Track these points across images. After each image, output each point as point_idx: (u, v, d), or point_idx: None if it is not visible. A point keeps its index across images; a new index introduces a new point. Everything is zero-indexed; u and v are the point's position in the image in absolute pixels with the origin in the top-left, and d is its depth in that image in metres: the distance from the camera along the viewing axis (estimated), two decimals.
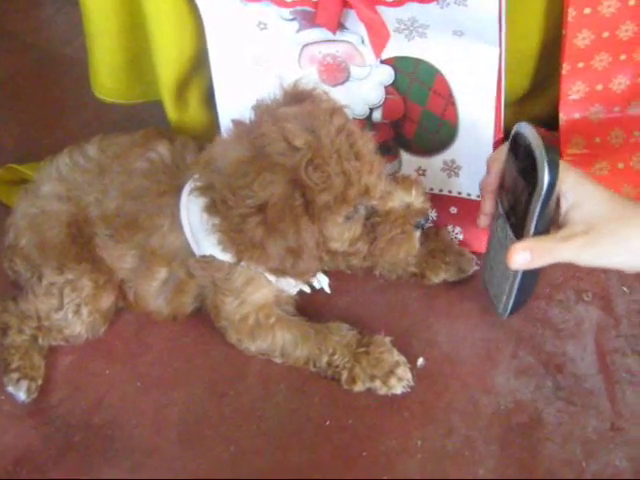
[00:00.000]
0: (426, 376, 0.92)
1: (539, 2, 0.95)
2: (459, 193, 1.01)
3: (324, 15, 0.88)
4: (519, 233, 0.77)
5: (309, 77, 0.92)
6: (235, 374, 0.95)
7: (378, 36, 0.89)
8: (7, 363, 0.95)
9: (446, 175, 1.00)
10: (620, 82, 0.99)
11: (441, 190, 1.02)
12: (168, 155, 0.96)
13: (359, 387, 0.90)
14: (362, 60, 0.95)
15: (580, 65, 0.97)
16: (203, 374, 0.96)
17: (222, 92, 1.04)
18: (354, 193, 0.78)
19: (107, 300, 0.98)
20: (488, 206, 0.85)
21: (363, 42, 0.93)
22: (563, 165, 0.73)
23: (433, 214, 1.04)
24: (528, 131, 0.74)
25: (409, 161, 1.02)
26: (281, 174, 0.75)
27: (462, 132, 0.95)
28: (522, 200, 0.75)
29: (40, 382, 0.96)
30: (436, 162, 0.99)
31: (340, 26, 0.91)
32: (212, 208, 0.81)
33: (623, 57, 0.96)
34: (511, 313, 0.89)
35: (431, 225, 1.04)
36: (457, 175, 0.99)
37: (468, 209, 1.00)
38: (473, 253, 1.01)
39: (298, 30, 0.94)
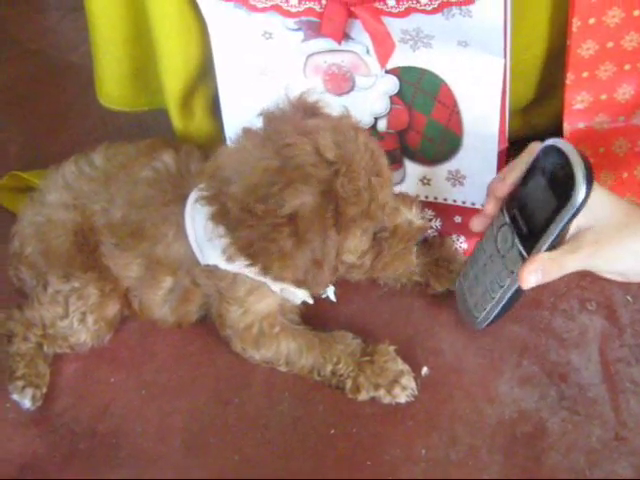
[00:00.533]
0: (430, 385, 0.92)
1: (544, 12, 0.95)
2: (463, 202, 1.01)
3: (329, 25, 0.89)
4: (530, 246, 0.76)
5: (315, 89, 0.92)
6: (240, 382, 0.95)
7: (383, 46, 0.90)
8: (12, 371, 0.95)
9: (451, 184, 1.00)
10: (624, 92, 0.99)
11: (445, 199, 1.02)
12: (173, 164, 0.96)
13: (363, 396, 0.91)
14: (367, 70, 0.95)
15: (584, 75, 0.97)
16: (208, 382, 0.96)
17: (227, 101, 1.04)
18: (376, 208, 0.80)
19: (112, 308, 0.98)
20: (492, 209, 0.84)
21: (368, 52, 0.93)
22: None
23: (437, 223, 1.04)
24: (566, 147, 0.72)
25: (414, 170, 1.02)
26: (314, 185, 0.76)
27: (467, 142, 0.95)
28: (541, 214, 0.74)
29: (45, 390, 0.96)
30: (441, 171, 1.00)
31: (345, 36, 0.91)
32: (219, 217, 0.81)
33: (627, 67, 0.97)
34: (488, 325, 0.89)
35: (436, 234, 1.04)
36: (462, 184, 0.99)
37: None
38: None
39: (303, 40, 0.94)
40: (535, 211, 0.76)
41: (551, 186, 0.74)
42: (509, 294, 0.83)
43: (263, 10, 0.91)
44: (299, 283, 0.82)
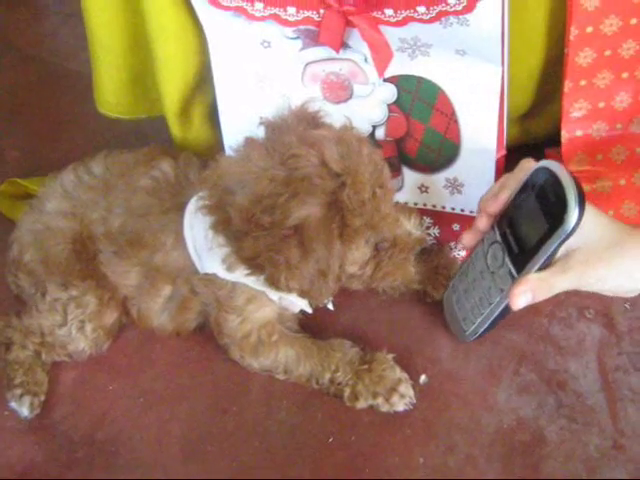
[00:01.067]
0: (428, 393, 0.92)
1: (541, 21, 0.95)
2: (462, 210, 1.01)
3: (327, 34, 0.89)
4: (520, 265, 0.77)
5: (315, 99, 0.93)
6: (238, 390, 0.95)
7: (381, 55, 0.90)
8: (10, 379, 0.95)
9: (448, 192, 1.00)
10: (622, 100, 0.99)
11: (443, 207, 1.02)
12: (172, 172, 0.96)
13: (361, 404, 0.91)
14: (365, 78, 0.95)
15: (582, 83, 0.97)
16: (206, 390, 0.96)
17: (226, 109, 1.05)
18: (379, 219, 0.81)
19: (111, 316, 0.98)
20: (483, 225, 0.83)
21: (366, 60, 0.93)
22: None
23: (436, 231, 1.04)
24: (558, 170, 0.72)
25: (412, 178, 1.02)
26: (320, 196, 0.76)
27: (464, 150, 0.96)
28: (533, 235, 0.74)
29: (43, 398, 0.96)
30: (438, 179, 1.00)
31: (343, 45, 0.91)
32: (221, 226, 0.81)
33: (625, 75, 0.97)
34: (476, 338, 0.90)
35: (434, 242, 1.04)
36: (460, 192, 1.00)
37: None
38: None
39: (301, 48, 0.95)
40: (527, 232, 0.76)
41: (543, 209, 0.74)
42: (498, 311, 0.83)
43: (261, 19, 0.91)
44: (304, 293, 0.82)
